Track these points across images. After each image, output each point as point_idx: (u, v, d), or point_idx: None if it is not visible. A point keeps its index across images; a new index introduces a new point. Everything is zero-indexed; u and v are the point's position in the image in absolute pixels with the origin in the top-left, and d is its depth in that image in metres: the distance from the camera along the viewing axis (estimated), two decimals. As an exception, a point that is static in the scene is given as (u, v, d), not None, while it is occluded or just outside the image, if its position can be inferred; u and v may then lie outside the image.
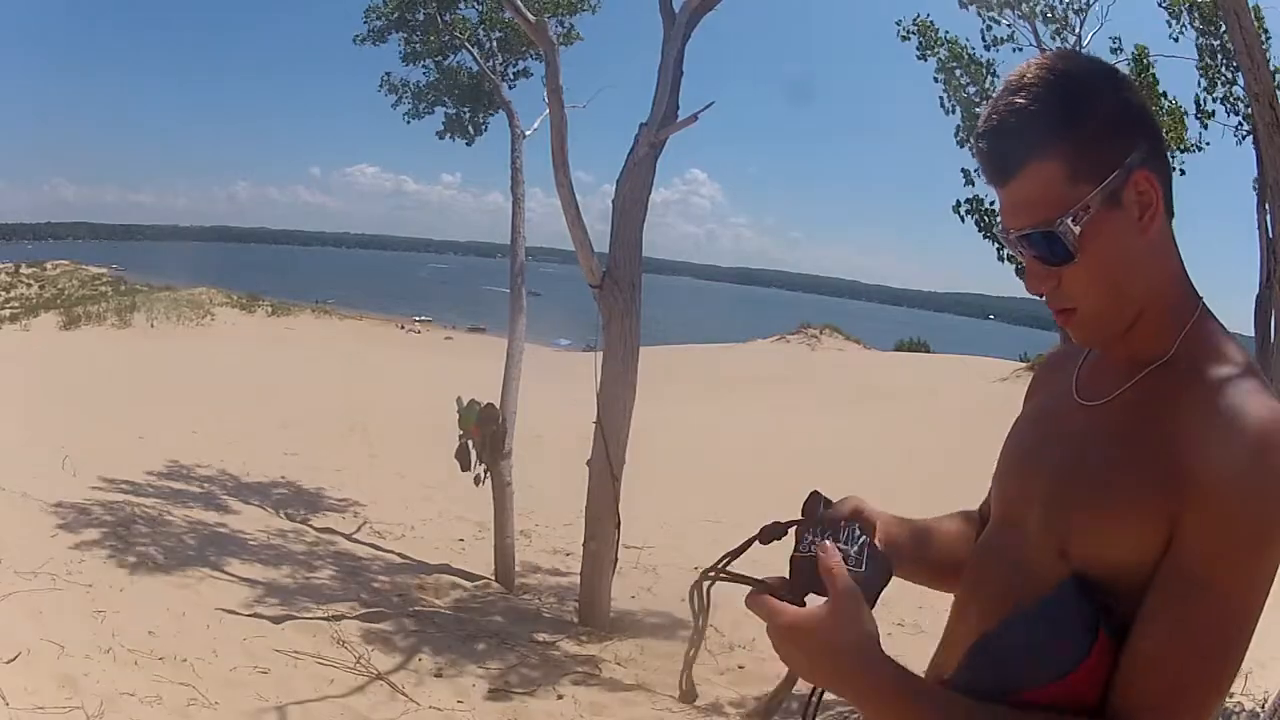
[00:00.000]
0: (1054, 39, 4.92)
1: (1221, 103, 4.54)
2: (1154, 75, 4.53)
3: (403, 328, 39.56)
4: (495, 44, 8.46)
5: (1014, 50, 4.90)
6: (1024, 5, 4.83)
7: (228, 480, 9.11)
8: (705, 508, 9.96)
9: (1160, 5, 4.68)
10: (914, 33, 4.90)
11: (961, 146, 4.83)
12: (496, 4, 8.03)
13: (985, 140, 0.93)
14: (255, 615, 5.00)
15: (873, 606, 0.94)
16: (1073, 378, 1.05)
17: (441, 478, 7.97)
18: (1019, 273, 4.81)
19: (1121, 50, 4.74)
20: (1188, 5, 4.53)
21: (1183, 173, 4.68)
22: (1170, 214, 0.95)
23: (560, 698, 4.59)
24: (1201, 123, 4.58)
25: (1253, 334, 4.35)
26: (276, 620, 4.97)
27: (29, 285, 35.61)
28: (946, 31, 4.90)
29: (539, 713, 4.41)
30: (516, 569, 7.12)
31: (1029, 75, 0.91)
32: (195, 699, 3.82)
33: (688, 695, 1.17)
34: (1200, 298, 0.98)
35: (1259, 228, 4.17)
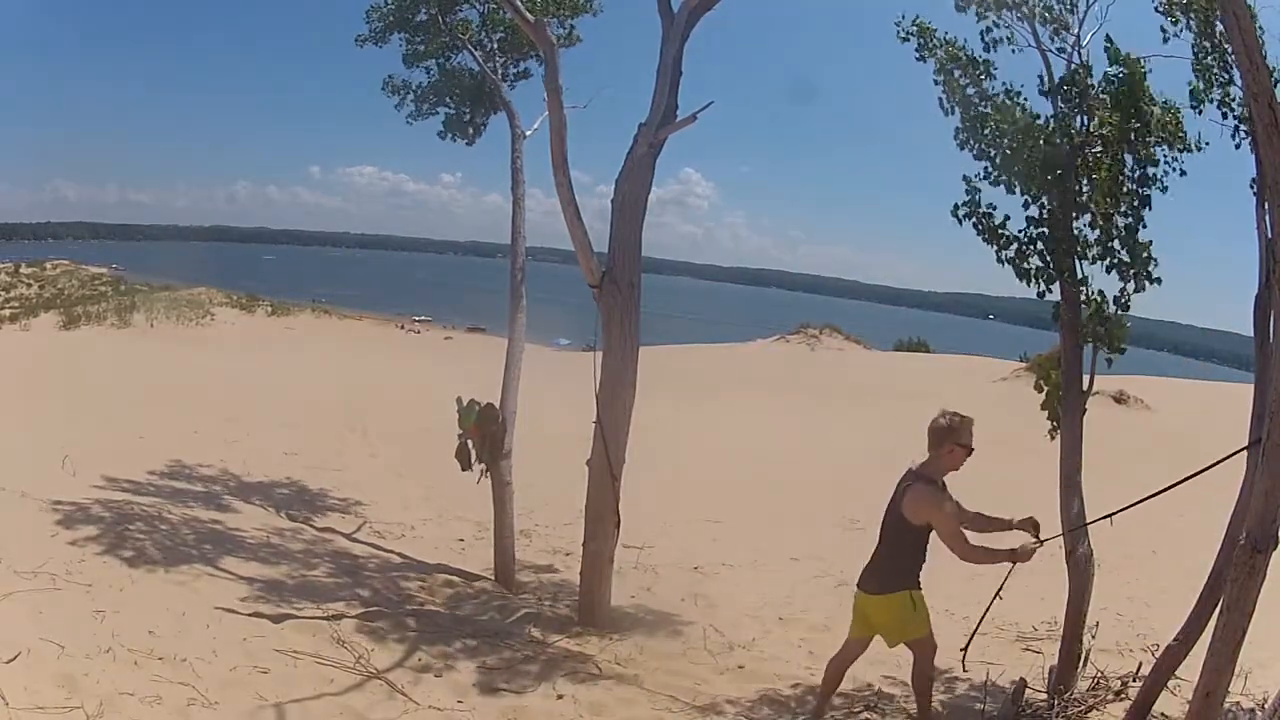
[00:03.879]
0: (1053, 39, 4.90)
1: (1219, 104, 4.51)
2: (1145, 79, 4.49)
3: (402, 328, 39.63)
4: (496, 45, 8.46)
5: (1013, 51, 4.87)
6: (1023, 6, 4.81)
7: (229, 480, 9.11)
8: (705, 508, 9.97)
9: (1156, 10, 4.66)
10: (913, 34, 4.88)
11: (962, 148, 4.79)
12: (497, 5, 8.04)
13: None
14: (255, 615, 5.01)
15: None
16: None
17: (441, 478, 7.97)
18: (1019, 274, 4.81)
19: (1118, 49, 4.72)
20: (1184, 5, 4.51)
21: (1183, 173, 4.66)
22: None
23: (559, 697, 4.60)
24: (1197, 112, 4.54)
25: (1252, 334, 4.33)
26: (276, 620, 4.97)
27: (29, 285, 35.66)
28: (945, 33, 4.87)
29: (537, 712, 4.41)
30: (516, 568, 7.12)
31: None
32: (195, 699, 3.83)
33: None
34: None
35: (1258, 229, 4.15)
